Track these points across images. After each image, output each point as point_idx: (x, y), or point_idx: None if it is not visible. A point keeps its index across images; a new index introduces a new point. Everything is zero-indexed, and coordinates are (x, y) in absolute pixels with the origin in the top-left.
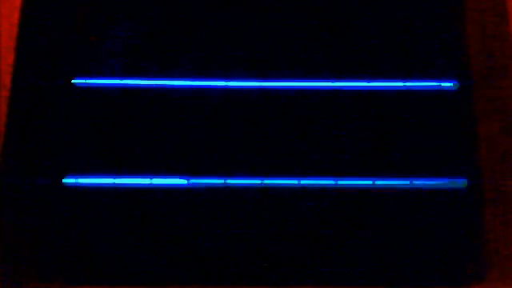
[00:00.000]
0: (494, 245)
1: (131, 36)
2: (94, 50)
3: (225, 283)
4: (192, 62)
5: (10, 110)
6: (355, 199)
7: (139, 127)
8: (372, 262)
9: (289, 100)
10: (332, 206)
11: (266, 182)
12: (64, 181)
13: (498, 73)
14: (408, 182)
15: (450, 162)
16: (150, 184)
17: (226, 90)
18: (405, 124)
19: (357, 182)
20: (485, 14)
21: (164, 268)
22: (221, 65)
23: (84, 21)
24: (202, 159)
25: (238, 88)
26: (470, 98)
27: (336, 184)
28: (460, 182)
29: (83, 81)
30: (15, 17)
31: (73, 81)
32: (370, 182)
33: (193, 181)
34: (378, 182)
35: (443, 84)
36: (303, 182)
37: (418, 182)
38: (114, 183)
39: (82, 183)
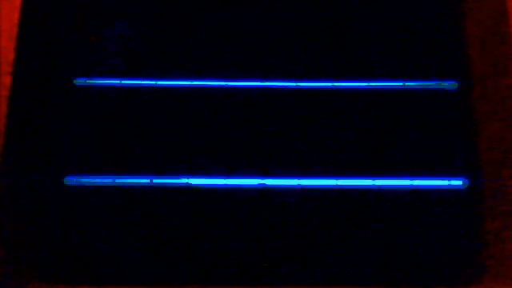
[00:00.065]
0: (494, 245)
1: (131, 36)
2: (94, 49)
3: (225, 283)
4: (192, 62)
5: (9, 109)
6: (355, 199)
7: (139, 127)
8: (372, 262)
9: (289, 100)
10: (332, 205)
11: (266, 181)
12: (64, 180)
13: (498, 73)
14: (408, 182)
15: (449, 162)
16: (150, 184)
17: (226, 90)
18: (405, 124)
19: (357, 181)
20: (485, 13)
21: (164, 268)
22: (221, 65)
23: (84, 21)
24: (202, 159)
25: (238, 88)
26: (470, 97)
27: (336, 184)
28: (460, 182)
29: (84, 80)
30: (15, 17)
31: (73, 81)
32: (370, 182)
33: (192, 181)
34: (378, 182)
35: (443, 84)
36: (303, 182)
37: (417, 182)
38: (114, 183)
39: (82, 183)
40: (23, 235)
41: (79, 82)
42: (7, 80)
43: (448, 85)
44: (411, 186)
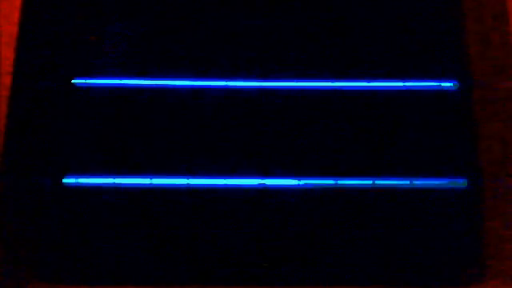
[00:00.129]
0: (494, 245)
1: (131, 36)
2: (94, 49)
3: (225, 283)
4: (192, 62)
5: (9, 109)
6: (355, 199)
7: (139, 127)
8: (372, 262)
9: (289, 100)
10: (332, 205)
11: (266, 181)
12: (64, 181)
13: (498, 73)
14: (408, 182)
15: (449, 162)
16: (150, 184)
17: (226, 90)
18: (405, 124)
19: (357, 181)
20: (485, 13)
21: (164, 268)
22: (221, 65)
23: (84, 21)
24: (202, 159)
25: (238, 88)
26: (469, 98)
27: (336, 184)
28: (460, 182)
29: (83, 81)
30: (15, 17)
31: (73, 81)
32: (370, 182)
33: (193, 181)
34: (378, 182)
35: (443, 84)
36: (303, 182)
37: (417, 182)
38: (114, 183)
39: (82, 183)
40: (23, 235)
41: (79, 82)
42: (7, 80)
43: (448, 85)
44: (411, 186)
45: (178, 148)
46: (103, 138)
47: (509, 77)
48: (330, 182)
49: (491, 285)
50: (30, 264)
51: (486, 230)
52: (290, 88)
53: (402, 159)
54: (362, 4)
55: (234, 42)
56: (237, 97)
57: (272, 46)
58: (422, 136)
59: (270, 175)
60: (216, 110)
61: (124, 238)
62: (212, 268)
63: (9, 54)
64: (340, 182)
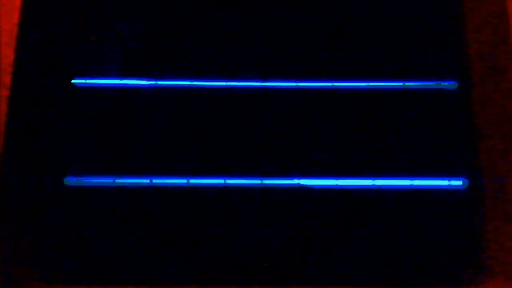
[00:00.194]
0: (494, 245)
1: (131, 36)
2: (94, 49)
3: (225, 283)
4: (192, 61)
5: (10, 109)
6: (355, 199)
7: (139, 127)
8: (372, 262)
9: (289, 100)
10: (332, 205)
11: (266, 181)
12: (64, 181)
13: (497, 73)
14: (408, 182)
15: (449, 162)
16: (150, 184)
17: (226, 90)
18: (404, 124)
19: (357, 181)
20: (484, 13)
21: (164, 268)
22: (221, 65)
23: (84, 21)
24: (202, 159)
25: (238, 88)
26: (469, 98)
27: (336, 184)
28: (460, 182)
29: (83, 81)
30: (15, 17)
31: (73, 81)
32: (370, 182)
33: (193, 181)
34: (378, 182)
35: (443, 84)
36: (303, 181)
37: (417, 182)
38: (114, 183)
39: (82, 183)
40: (23, 235)
41: (79, 82)
42: (7, 80)
43: (448, 85)
44: (411, 185)
45: (178, 148)
46: (103, 138)
47: (509, 77)
48: (330, 182)
49: (491, 285)
50: (30, 264)
51: (486, 230)
52: (290, 88)
53: (401, 159)
54: (362, 4)
55: (234, 41)
56: (237, 97)
57: (272, 46)
58: (422, 136)
59: (270, 175)
60: (216, 110)
61: (124, 237)
62: (212, 268)
63: (9, 54)
64: (340, 181)
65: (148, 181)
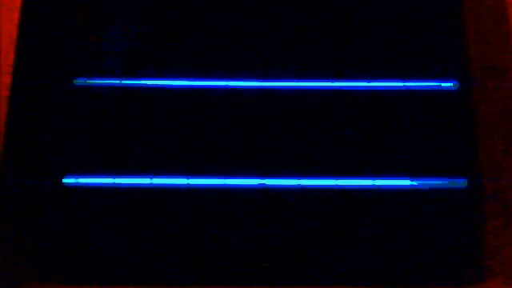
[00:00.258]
0: (495, 245)
1: (131, 36)
2: (94, 49)
3: (225, 283)
4: (192, 61)
5: (10, 109)
6: (355, 199)
7: (139, 127)
8: (372, 262)
9: (289, 100)
10: (332, 205)
11: (266, 181)
12: (64, 181)
13: (497, 73)
14: (408, 182)
15: (449, 162)
16: (150, 184)
17: (226, 90)
18: (405, 124)
19: (357, 181)
20: (485, 13)
21: (164, 268)
22: (221, 65)
23: (84, 21)
24: (202, 159)
25: (238, 88)
26: (469, 98)
27: (336, 184)
28: (460, 182)
29: (83, 81)
30: (15, 17)
31: (73, 81)
32: (370, 182)
33: (193, 181)
34: (378, 182)
35: (443, 84)
36: (303, 182)
37: (417, 182)
38: (114, 183)
39: (82, 183)
40: (23, 235)
41: (79, 82)
42: (7, 80)
43: (448, 85)
44: (411, 185)
45: (178, 148)
46: (103, 137)
47: (509, 77)
48: (330, 182)
49: (491, 285)
50: (30, 264)
51: (485, 230)
52: (290, 88)
53: (401, 159)
54: (362, 4)
55: (234, 41)
56: (237, 97)
57: (272, 45)
58: (422, 136)
59: (270, 175)
60: (216, 110)
61: (124, 238)
62: (212, 268)
63: (9, 54)
64: (340, 181)
65: (148, 181)
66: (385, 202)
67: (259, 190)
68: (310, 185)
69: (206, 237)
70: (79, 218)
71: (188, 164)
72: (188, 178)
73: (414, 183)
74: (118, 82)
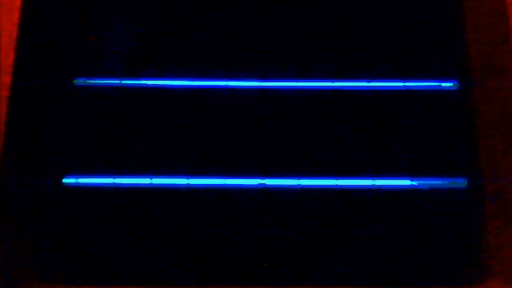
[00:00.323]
0: (495, 245)
1: (131, 36)
2: (94, 49)
3: (225, 283)
4: (192, 61)
5: (10, 109)
6: (355, 199)
7: (139, 127)
8: (372, 262)
9: (289, 100)
10: (332, 205)
11: (266, 181)
12: (64, 181)
13: (498, 73)
14: (408, 182)
15: (449, 162)
16: (150, 184)
17: (226, 90)
18: (405, 124)
19: (357, 181)
20: (485, 13)
21: (164, 268)
22: (221, 65)
23: (84, 21)
24: (202, 159)
25: (238, 88)
26: (469, 98)
27: (336, 184)
28: (460, 182)
29: (83, 81)
30: (15, 17)
31: (73, 81)
32: (370, 182)
33: (193, 181)
34: (378, 182)
35: (443, 84)
36: (303, 182)
37: (417, 182)
38: (114, 183)
39: (82, 183)
40: (23, 235)
41: (79, 82)
42: (7, 80)
43: (448, 85)
44: (411, 185)
45: (178, 148)
46: (103, 137)
47: (509, 77)
48: (330, 182)
49: (491, 285)
50: (30, 264)
51: (485, 230)
52: (290, 88)
53: (401, 159)
54: (362, 4)
55: (234, 41)
56: (237, 97)
57: (272, 45)
58: (422, 136)
59: (270, 175)
60: (216, 110)
61: (124, 238)
62: (212, 268)
63: (9, 54)
64: (340, 181)
65: (148, 181)
66: (385, 202)
67: (259, 190)
68: (309, 185)
69: (206, 237)
70: (79, 218)
71: (188, 164)
72: (188, 178)
73: (414, 183)
74: (118, 82)
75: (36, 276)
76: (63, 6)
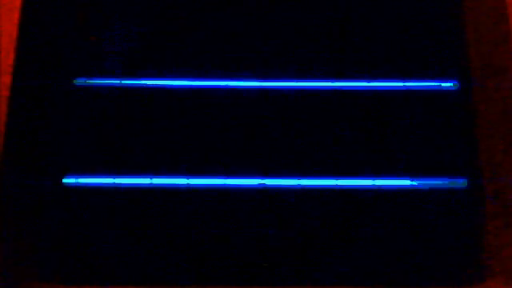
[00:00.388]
0: (495, 245)
1: (131, 36)
2: (94, 49)
3: (225, 283)
4: (192, 61)
5: (10, 109)
6: (355, 199)
7: (139, 127)
8: (372, 262)
9: (289, 100)
10: (332, 205)
11: (266, 181)
12: (64, 181)
13: (498, 73)
14: (408, 182)
15: (450, 162)
16: (150, 184)
17: (226, 90)
18: (405, 124)
19: (357, 181)
20: (485, 13)
21: (164, 268)
22: (221, 65)
23: (84, 21)
24: (202, 159)
25: (237, 88)
26: (470, 98)
27: (336, 184)
28: (460, 182)
29: (83, 81)
30: (15, 17)
31: (73, 81)
32: (370, 182)
33: (193, 181)
34: (378, 182)
35: (443, 84)
36: (303, 182)
37: (417, 182)
38: (114, 183)
39: (82, 183)
40: (23, 235)
41: (79, 82)
42: (7, 80)
43: (448, 85)
44: (411, 186)
45: (178, 148)
46: (103, 137)
47: (509, 77)
48: (330, 182)
49: (491, 285)
50: (30, 264)
51: (485, 230)
52: (290, 88)
53: (401, 159)
54: (362, 4)
55: (233, 41)
56: (237, 97)
57: (272, 45)
58: (422, 136)
59: (270, 175)
60: (216, 110)
61: (124, 238)
62: (212, 268)
63: (9, 54)
64: (340, 181)
65: (148, 181)
66: (385, 202)
67: (259, 190)
68: (309, 185)
69: (206, 237)
70: (79, 218)
71: (188, 164)
72: (188, 178)
73: (414, 183)
74: (118, 82)
75: (36, 276)
76: (63, 5)
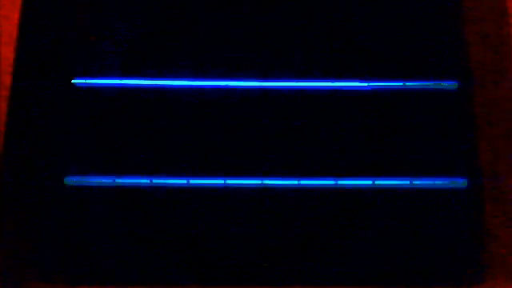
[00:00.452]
0: (494, 245)
1: (131, 36)
2: (94, 49)
3: (225, 283)
4: (192, 61)
5: (10, 109)
6: (355, 199)
7: (139, 127)
8: (372, 262)
9: (289, 100)
10: (332, 205)
11: (266, 182)
12: (64, 181)
13: (498, 73)
14: (408, 182)
15: (450, 162)
16: (150, 184)
17: (226, 90)
18: (405, 124)
19: (357, 181)
20: (485, 13)
21: (164, 268)
22: (221, 65)
23: (84, 21)
24: (202, 159)
25: (238, 88)
26: (470, 97)
27: (336, 184)
28: (460, 182)
29: (83, 81)
30: (15, 17)
31: (73, 81)
32: (370, 182)
33: (193, 181)
34: (378, 182)
35: (443, 84)
36: (303, 182)
37: (417, 182)
38: (115, 183)
39: (82, 183)
40: (23, 235)
41: (79, 82)
42: (7, 80)
43: (448, 85)
44: (411, 186)
45: (178, 148)
46: (104, 137)
47: (509, 77)
48: (330, 182)
49: (491, 285)
50: (30, 264)
51: (486, 230)
52: (290, 88)
53: (402, 159)
54: (362, 4)
55: (234, 41)
56: (237, 97)
57: (272, 45)
58: (422, 136)
59: (270, 175)
60: (216, 110)
61: (124, 237)
62: (212, 268)
63: (9, 54)
64: (340, 181)
65: (148, 181)
66: (385, 202)
67: (259, 190)
68: (310, 185)
69: (206, 237)
70: (80, 218)
71: (188, 164)
72: (188, 178)
73: (414, 183)
74: (118, 82)
75: (36, 276)
76: (63, 5)
